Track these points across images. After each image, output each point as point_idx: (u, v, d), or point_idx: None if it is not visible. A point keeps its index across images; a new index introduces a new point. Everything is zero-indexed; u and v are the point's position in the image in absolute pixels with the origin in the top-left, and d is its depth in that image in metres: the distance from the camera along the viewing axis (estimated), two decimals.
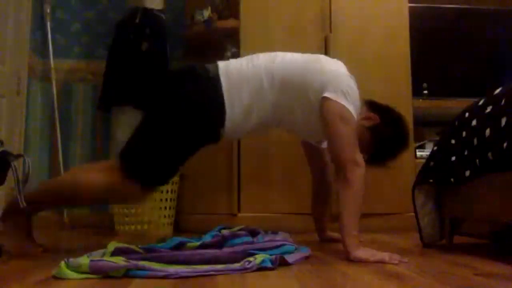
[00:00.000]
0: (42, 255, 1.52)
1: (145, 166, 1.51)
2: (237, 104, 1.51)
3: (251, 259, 1.23)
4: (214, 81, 1.52)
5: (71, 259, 1.15)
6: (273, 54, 1.62)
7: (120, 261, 1.16)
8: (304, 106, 1.56)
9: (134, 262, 1.16)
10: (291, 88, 1.54)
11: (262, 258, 1.23)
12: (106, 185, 1.49)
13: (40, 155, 2.83)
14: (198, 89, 1.52)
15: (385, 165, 1.68)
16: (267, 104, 1.55)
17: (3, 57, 2.44)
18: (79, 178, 1.54)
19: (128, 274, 1.12)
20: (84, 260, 1.14)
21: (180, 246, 1.41)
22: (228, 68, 1.55)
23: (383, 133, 1.62)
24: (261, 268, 1.20)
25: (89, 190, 1.51)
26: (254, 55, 1.63)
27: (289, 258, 1.31)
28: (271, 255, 1.28)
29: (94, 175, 1.52)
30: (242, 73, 1.54)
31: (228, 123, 1.52)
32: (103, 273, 1.12)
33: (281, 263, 1.27)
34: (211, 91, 1.51)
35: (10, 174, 1.46)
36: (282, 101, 1.55)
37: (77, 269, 1.12)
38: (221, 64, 1.58)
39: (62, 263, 1.13)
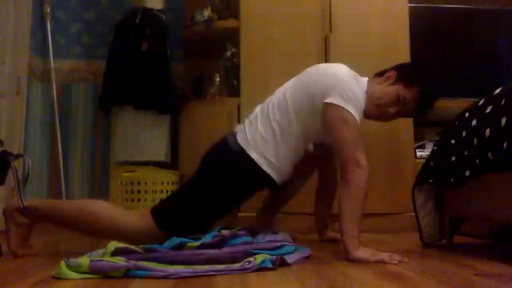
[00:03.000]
0: (39, 255, 1.52)
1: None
2: (271, 158, 1.59)
3: (251, 259, 1.23)
4: (244, 158, 1.59)
5: (71, 259, 1.15)
6: (274, 101, 1.65)
7: (120, 261, 1.16)
8: (315, 114, 1.58)
9: (134, 262, 1.15)
10: (304, 112, 1.59)
11: (262, 258, 1.23)
12: (137, 227, 1.55)
13: (40, 155, 2.83)
14: (237, 169, 1.61)
15: (431, 107, 1.69)
16: (292, 136, 1.60)
17: (3, 57, 2.44)
18: (113, 212, 1.59)
19: (128, 274, 1.12)
20: (84, 260, 1.14)
21: (180, 246, 1.40)
22: (250, 139, 1.61)
23: (408, 74, 1.65)
24: (261, 268, 1.20)
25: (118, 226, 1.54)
26: (259, 110, 1.68)
27: (289, 259, 1.31)
28: (271, 255, 1.28)
29: (127, 214, 1.63)
30: (258, 131, 1.61)
31: (277, 177, 1.62)
32: (103, 273, 1.12)
33: (281, 263, 1.27)
34: (247, 168, 1.60)
35: (10, 174, 1.46)
36: (304, 124, 1.60)
37: (77, 269, 1.12)
38: (240, 137, 1.62)
39: (62, 263, 1.13)
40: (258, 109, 1.70)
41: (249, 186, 1.65)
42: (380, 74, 1.70)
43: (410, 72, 1.68)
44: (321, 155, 1.88)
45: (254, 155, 1.58)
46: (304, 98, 1.58)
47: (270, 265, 1.21)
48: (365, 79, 1.67)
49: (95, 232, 1.57)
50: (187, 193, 1.64)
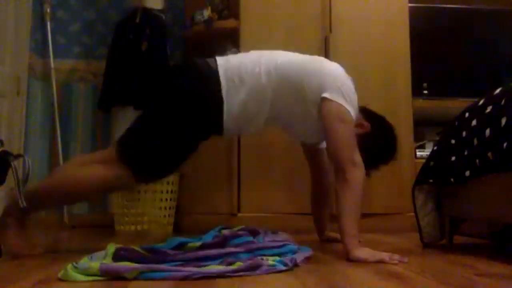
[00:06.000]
0: (41, 255, 1.51)
1: (144, 158, 1.52)
2: (235, 98, 1.52)
3: (264, 258, 1.23)
4: (213, 74, 1.53)
5: (80, 263, 1.13)
6: (274, 53, 1.63)
7: (132, 264, 1.14)
8: (301, 106, 1.56)
9: (147, 265, 1.14)
10: (288, 87, 1.55)
11: (273, 261, 1.22)
12: (104, 179, 1.52)
13: (40, 155, 2.83)
14: (198, 81, 1.55)
15: (369, 171, 1.64)
16: (265, 100, 1.55)
17: (3, 57, 2.45)
18: (77, 174, 1.55)
19: (140, 276, 1.09)
20: (92, 263, 1.12)
21: (180, 246, 1.40)
22: (227, 63, 1.57)
23: (371, 142, 1.60)
24: (272, 270, 1.19)
25: (88, 185, 1.53)
26: (255, 53, 1.64)
27: (297, 258, 1.30)
28: (279, 255, 1.29)
29: (92, 170, 1.54)
30: (241, 69, 1.55)
31: (226, 116, 1.53)
32: (116, 275, 1.09)
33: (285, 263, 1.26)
34: (210, 84, 1.53)
35: (10, 174, 1.46)
36: (280, 98, 1.56)
37: (86, 271, 1.10)
38: (220, 59, 1.59)
39: (69, 266, 1.11)
40: (253, 53, 1.64)
41: (199, 112, 1.52)
42: (364, 110, 1.65)
43: (374, 153, 1.62)
44: (310, 155, 1.88)
45: (222, 75, 1.52)
46: (296, 82, 1.54)
47: (282, 267, 1.20)
48: None
49: (76, 196, 1.61)
50: (143, 117, 1.58)
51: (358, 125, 1.60)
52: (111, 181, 1.53)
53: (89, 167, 1.56)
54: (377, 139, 1.62)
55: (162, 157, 1.54)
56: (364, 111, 1.66)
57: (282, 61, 1.58)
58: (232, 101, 1.52)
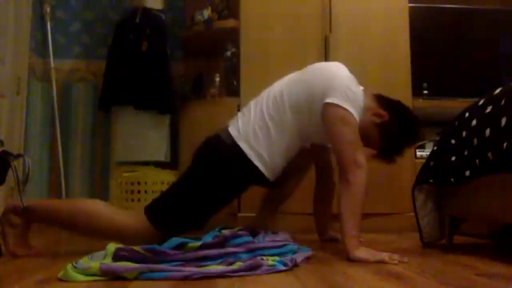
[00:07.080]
0: (38, 255, 1.51)
1: (166, 221, 1.55)
2: (266, 155, 1.57)
3: (264, 258, 1.23)
4: (234, 150, 1.56)
5: (79, 262, 1.13)
6: (270, 95, 1.63)
7: (132, 264, 1.14)
8: (312, 114, 1.57)
9: (146, 265, 1.14)
10: (302, 110, 1.58)
11: (273, 261, 1.22)
12: (119, 221, 1.54)
13: (40, 155, 2.83)
14: (226, 163, 1.58)
15: (392, 161, 1.68)
16: (290, 134, 1.60)
17: (3, 57, 2.44)
18: (96, 204, 1.58)
19: (140, 277, 1.10)
20: (92, 263, 1.12)
21: (180, 246, 1.40)
22: (242, 132, 1.59)
23: (392, 129, 1.62)
24: (272, 270, 1.19)
25: (97, 217, 1.53)
26: (256, 105, 1.65)
27: (297, 258, 1.30)
28: (279, 255, 1.29)
29: (112, 208, 1.64)
30: (257, 130, 1.58)
31: (268, 174, 1.59)
32: (116, 275, 1.09)
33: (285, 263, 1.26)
34: (238, 160, 1.56)
35: (10, 174, 1.46)
36: (299, 123, 1.59)
37: (85, 271, 1.10)
38: (234, 129, 1.60)
39: (69, 266, 1.11)
40: (252, 102, 1.68)
41: (239, 180, 1.61)
42: (379, 98, 1.66)
43: (395, 141, 1.65)
44: (317, 154, 1.88)
45: (244, 147, 1.56)
46: (303, 98, 1.57)
47: (282, 267, 1.20)
48: (361, 88, 1.64)
49: (92, 232, 1.56)
50: (179, 191, 1.60)
51: (376, 114, 1.61)
52: (138, 232, 1.52)
53: (111, 206, 1.59)
54: (397, 124, 1.63)
55: (186, 222, 1.58)
56: (379, 99, 1.66)
57: (285, 94, 1.60)
58: (266, 159, 1.57)
